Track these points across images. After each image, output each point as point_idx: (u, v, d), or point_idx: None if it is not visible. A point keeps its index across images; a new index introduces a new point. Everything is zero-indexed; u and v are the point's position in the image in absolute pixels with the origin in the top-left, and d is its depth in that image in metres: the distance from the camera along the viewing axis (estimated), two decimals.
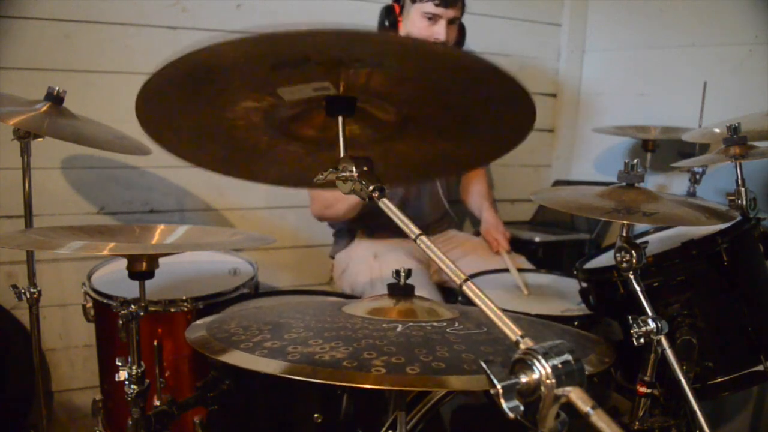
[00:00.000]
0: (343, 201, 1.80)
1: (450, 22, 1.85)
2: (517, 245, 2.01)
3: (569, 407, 0.53)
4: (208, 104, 0.88)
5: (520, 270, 1.83)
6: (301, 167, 1.09)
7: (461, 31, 1.98)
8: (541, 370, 0.53)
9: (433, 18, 1.83)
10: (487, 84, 0.83)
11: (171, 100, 0.84)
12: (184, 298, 1.42)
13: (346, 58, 0.76)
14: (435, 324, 0.82)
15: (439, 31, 1.83)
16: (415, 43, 0.96)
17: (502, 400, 0.53)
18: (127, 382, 1.07)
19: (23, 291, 1.50)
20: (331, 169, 0.84)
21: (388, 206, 0.78)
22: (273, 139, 0.98)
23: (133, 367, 1.07)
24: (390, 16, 1.92)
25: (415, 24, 1.85)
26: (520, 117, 0.91)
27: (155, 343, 1.17)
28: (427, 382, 0.67)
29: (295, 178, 1.16)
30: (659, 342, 1.00)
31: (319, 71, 0.79)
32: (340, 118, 0.86)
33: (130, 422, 1.05)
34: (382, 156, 1.00)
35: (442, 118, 0.96)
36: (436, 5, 1.81)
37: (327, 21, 2.12)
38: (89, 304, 1.48)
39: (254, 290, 1.59)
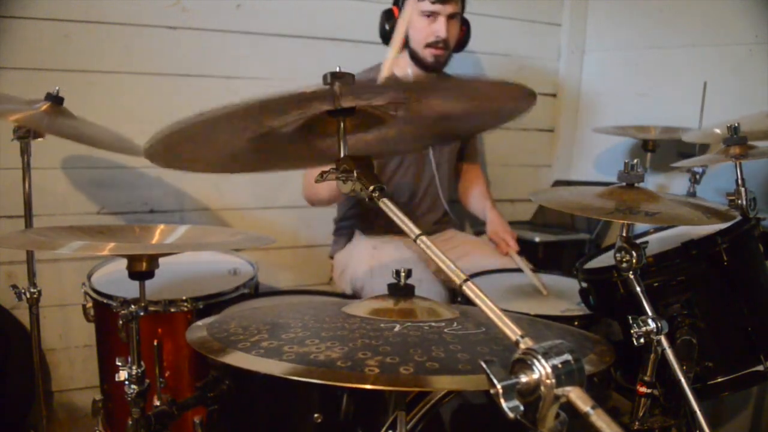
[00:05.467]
0: (324, 186, 1.69)
1: (450, 17, 1.82)
2: (518, 245, 2.01)
3: (569, 407, 0.53)
4: (206, 144, 0.90)
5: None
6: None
7: (466, 28, 1.95)
8: (541, 369, 0.53)
9: (431, 15, 1.81)
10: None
11: (173, 144, 0.86)
12: (184, 298, 1.41)
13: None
14: (433, 324, 0.82)
15: (439, 29, 1.81)
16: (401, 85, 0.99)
17: (502, 400, 0.53)
18: (127, 382, 1.07)
19: (23, 291, 1.51)
20: (331, 169, 0.84)
21: (388, 206, 0.78)
22: (281, 144, 0.99)
23: (133, 367, 1.07)
24: (390, 21, 1.90)
25: (414, 24, 1.83)
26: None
27: (155, 343, 1.16)
28: (420, 382, 0.66)
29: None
30: (659, 342, 1.00)
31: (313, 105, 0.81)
32: (339, 119, 0.86)
33: (130, 422, 1.05)
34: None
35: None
36: (433, 2, 1.79)
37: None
38: (89, 304, 1.48)
39: (254, 290, 1.59)
